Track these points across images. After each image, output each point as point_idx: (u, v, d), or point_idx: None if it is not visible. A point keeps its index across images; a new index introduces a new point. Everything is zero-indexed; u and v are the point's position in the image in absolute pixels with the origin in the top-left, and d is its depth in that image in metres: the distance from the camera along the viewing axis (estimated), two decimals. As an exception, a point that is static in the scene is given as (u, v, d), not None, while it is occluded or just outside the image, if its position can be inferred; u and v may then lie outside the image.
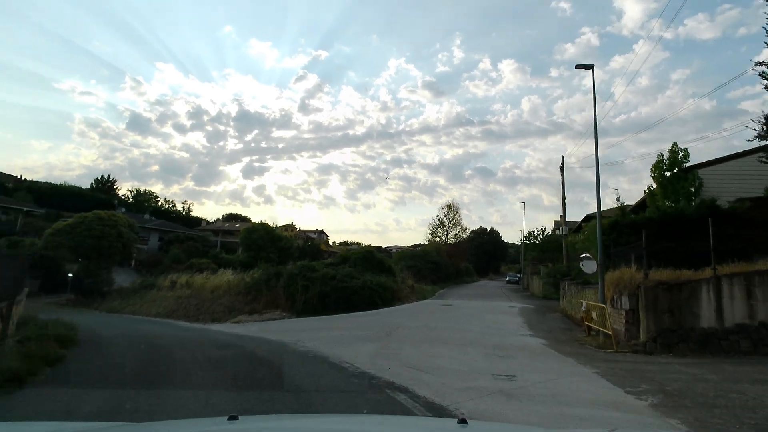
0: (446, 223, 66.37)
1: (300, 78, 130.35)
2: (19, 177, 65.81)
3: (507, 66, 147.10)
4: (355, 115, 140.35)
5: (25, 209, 43.73)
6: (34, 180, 67.02)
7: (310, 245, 65.46)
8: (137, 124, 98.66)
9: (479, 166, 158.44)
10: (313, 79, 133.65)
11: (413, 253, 53.14)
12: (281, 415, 4.12)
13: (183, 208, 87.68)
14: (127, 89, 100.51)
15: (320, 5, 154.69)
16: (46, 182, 66.93)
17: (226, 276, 23.92)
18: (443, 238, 65.29)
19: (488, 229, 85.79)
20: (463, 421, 1.76)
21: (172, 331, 15.45)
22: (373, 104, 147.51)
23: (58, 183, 67.59)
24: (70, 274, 34.28)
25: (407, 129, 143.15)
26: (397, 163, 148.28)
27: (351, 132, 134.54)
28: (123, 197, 77.22)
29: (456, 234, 66.73)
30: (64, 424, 2.06)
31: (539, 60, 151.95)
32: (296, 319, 18.23)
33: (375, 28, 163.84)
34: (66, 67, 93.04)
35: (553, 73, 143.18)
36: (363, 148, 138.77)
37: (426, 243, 66.63)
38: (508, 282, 57.15)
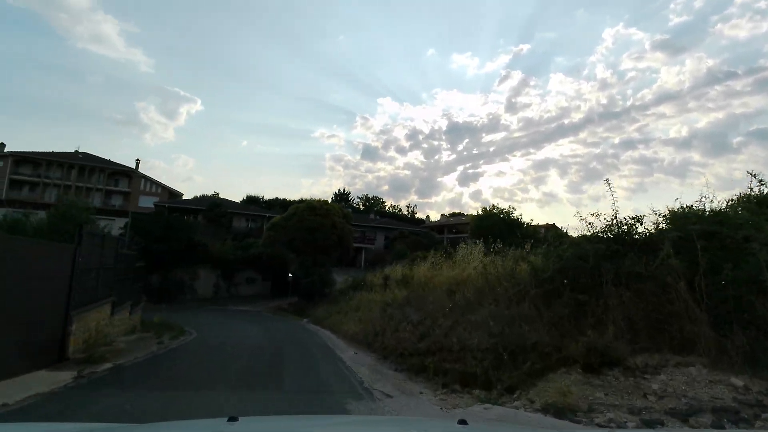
0: None
1: (503, 78, 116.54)
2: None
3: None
4: (569, 101, 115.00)
5: (267, 215, 44.94)
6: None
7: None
8: (368, 153, 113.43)
9: (755, 129, 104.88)
10: (517, 77, 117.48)
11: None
12: (280, 416, 3.96)
13: (407, 210, 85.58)
14: (358, 126, 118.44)
15: (513, 0, 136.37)
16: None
17: (474, 262, 11.82)
18: None
19: None
20: (463, 422, 1.78)
21: None
22: (588, 85, 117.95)
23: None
24: (290, 275, 30.61)
25: (637, 103, 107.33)
26: (628, 145, 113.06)
27: (566, 121, 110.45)
28: (355, 204, 79.79)
29: None
30: (65, 424, 2.22)
31: None
32: None
33: (579, 2, 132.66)
34: (316, 120, 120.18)
35: None
36: (583, 135, 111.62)
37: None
38: None
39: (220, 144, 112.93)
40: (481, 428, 2.48)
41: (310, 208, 29.06)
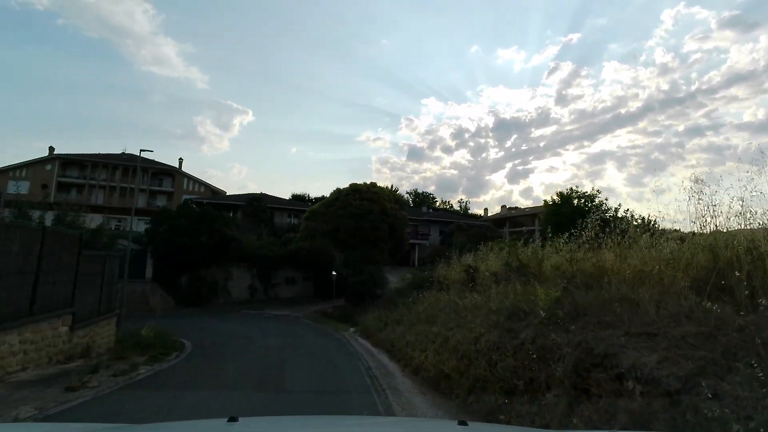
0: None
1: (552, 70, 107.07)
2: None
3: None
4: (625, 90, 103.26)
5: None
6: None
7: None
8: (414, 154, 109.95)
9: None
10: (567, 68, 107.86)
11: None
12: (280, 417, 3.75)
13: (459, 207, 78.82)
14: (403, 128, 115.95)
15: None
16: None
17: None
18: None
19: None
20: (463, 423, 1.76)
21: None
22: (647, 71, 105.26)
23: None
24: (333, 273, 25.82)
25: (704, 87, 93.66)
26: (694, 132, 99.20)
27: (623, 111, 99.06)
28: (404, 200, 74.56)
29: None
30: (65, 424, 2.19)
31: None
32: None
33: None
34: (361, 124, 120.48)
35: None
36: (642, 124, 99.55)
37: None
38: None
39: (271, 152, 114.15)
40: (481, 428, 2.39)
41: (355, 190, 24.12)
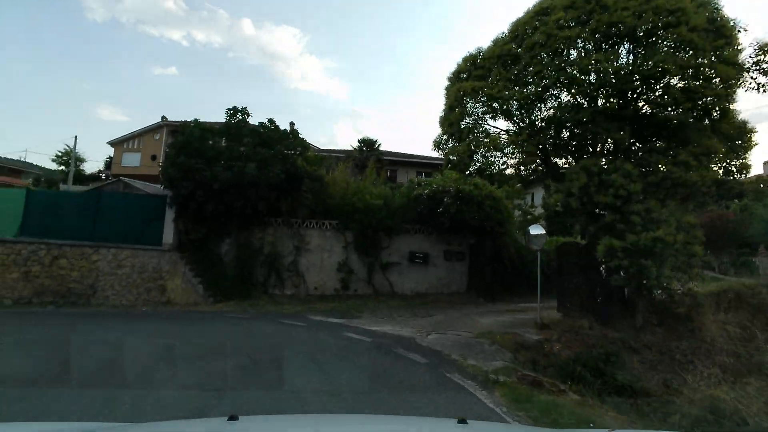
0: None
1: None
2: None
3: None
4: None
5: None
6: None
7: None
8: None
9: None
10: None
11: None
12: (281, 416, 3.66)
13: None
14: None
15: None
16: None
17: None
18: None
19: None
20: (462, 421, 1.74)
21: None
22: None
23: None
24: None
25: None
26: None
27: None
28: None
29: None
30: (64, 424, 2.03)
31: None
32: None
33: None
34: None
35: None
36: None
37: None
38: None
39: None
40: (481, 428, 2.34)
41: None
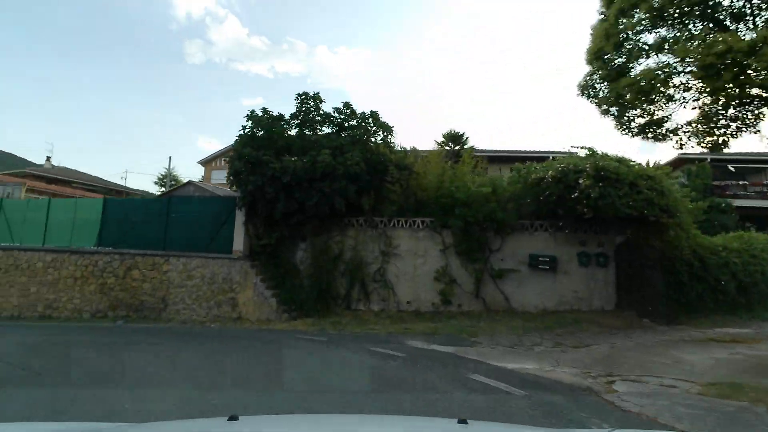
0: None
1: None
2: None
3: None
4: None
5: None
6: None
7: None
8: None
9: None
10: None
11: None
12: (281, 416, 3.57)
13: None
14: None
15: None
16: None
17: None
18: None
19: None
20: (463, 421, 1.72)
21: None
22: None
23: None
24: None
25: None
26: None
27: None
28: None
29: None
30: (65, 424, 2.05)
31: None
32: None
33: None
34: None
35: None
36: None
37: None
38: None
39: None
40: (481, 427, 2.23)
41: None
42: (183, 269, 12.54)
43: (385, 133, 12.89)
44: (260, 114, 12.47)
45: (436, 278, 11.23)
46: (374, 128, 12.88)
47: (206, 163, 43.26)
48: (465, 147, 24.02)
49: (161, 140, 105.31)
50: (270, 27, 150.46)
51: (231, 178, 12.19)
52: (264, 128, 12.19)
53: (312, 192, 11.06)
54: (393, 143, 12.97)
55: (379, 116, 13.01)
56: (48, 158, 32.92)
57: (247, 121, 12.33)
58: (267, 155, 11.37)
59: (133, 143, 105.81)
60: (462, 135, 24.76)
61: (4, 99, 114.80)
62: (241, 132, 12.25)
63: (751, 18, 7.06)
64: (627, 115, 7.67)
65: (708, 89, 6.78)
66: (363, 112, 12.93)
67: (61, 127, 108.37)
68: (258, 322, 11.43)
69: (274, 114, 12.67)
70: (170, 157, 57.21)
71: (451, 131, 24.92)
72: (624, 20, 6.86)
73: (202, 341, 9.12)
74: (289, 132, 12.37)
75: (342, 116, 12.99)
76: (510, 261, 11.21)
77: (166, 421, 2.99)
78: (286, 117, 12.76)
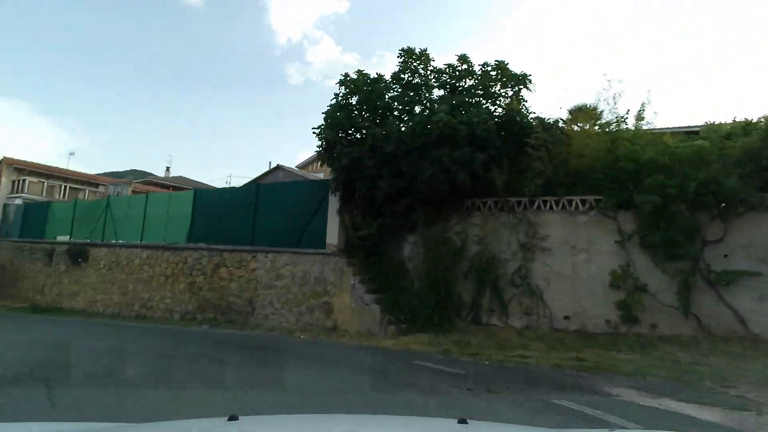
0: None
1: None
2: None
3: None
4: None
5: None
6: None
7: None
8: None
9: None
10: None
11: None
12: (281, 416, 3.30)
13: None
14: None
15: None
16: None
17: None
18: None
19: None
20: (463, 421, 1.63)
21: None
22: None
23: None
24: None
25: None
26: None
27: None
28: None
29: None
30: (64, 424, 1.90)
31: None
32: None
33: None
34: None
35: None
36: None
37: None
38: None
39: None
40: (481, 427, 2.15)
41: None
42: (271, 267, 10.61)
43: (519, 87, 9.55)
44: (355, 77, 10.03)
45: (613, 283, 7.48)
46: (501, 83, 9.62)
47: (302, 167, 43.56)
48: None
49: (267, 155, 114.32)
50: (361, 43, 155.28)
51: (321, 152, 9.89)
52: (360, 93, 9.73)
53: (424, 163, 8.20)
54: (526, 103, 9.56)
55: (508, 67, 9.71)
56: (167, 168, 35.58)
57: (339, 87, 9.97)
58: (365, 120, 8.85)
59: (239, 156, 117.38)
60: (596, 107, 20.01)
61: (136, 125, 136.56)
62: (334, 100, 9.95)
63: None
64: None
65: None
66: (485, 63, 9.75)
67: (179, 142, 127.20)
68: (357, 335, 8.85)
69: (372, 76, 10.15)
70: (270, 162, 60.16)
71: (579, 105, 20.33)
72: None
73: (281, 363, 6.77)
74: (393, 90, 9.73)
75: (456, 74, 9.99)
76: (741, 258, 6.99)
77: (166, 421, 2.74)
78: (387, 79, 10.17)
